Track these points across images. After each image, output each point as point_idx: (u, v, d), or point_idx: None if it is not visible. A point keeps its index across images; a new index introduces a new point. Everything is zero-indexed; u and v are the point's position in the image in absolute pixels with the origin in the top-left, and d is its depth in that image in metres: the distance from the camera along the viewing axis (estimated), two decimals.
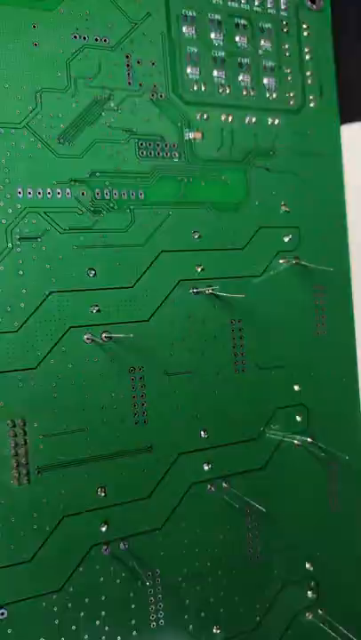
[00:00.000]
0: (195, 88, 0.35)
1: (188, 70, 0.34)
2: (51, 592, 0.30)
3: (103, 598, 0.31)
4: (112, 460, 0.31)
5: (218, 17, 0.35)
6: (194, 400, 0.34)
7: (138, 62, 0.32)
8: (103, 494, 0.31)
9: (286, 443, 0.37)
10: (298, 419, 0.38)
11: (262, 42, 0.36)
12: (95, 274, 0.31)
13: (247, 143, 0.36)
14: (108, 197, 0.32)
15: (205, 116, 0.35)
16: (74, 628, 0.30)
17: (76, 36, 0.31)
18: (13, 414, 0.29)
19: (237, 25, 0.35)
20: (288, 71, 0.37)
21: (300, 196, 0.38)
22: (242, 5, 0.36)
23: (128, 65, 0.32)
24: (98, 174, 0.31)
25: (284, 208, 0.38)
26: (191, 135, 0.34)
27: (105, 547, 0.31)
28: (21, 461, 0.29)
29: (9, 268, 0.29)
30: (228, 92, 0.35)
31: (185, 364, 0.34)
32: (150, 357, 0.33)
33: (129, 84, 0.32)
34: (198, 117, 0.35)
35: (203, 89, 0.35)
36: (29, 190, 0.30)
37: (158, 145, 0.33)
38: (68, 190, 0.31)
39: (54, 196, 0.30)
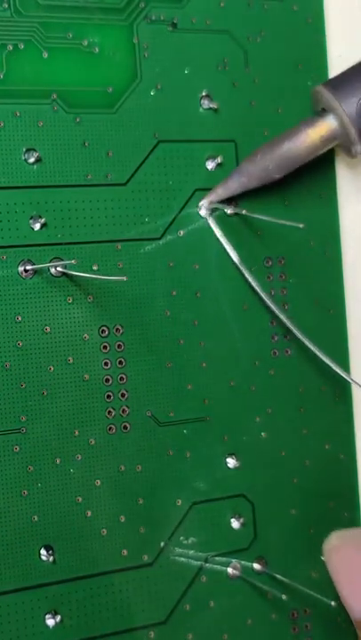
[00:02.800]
0: None
1: None
2: None
3: None
4: None
5: None
6: (23, 498, 0.27)
7: None
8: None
9: (210, 572, 0.29)
10: (234, 524, 0.30)
11: None
12: None
13: None
14: None
15: None
16: None
17: None
18: None
19: None
20: None
21: (240, 78, 0.30)
22: None
23: None
24: None
25: (206, 103, 0.30)
26: None
27: None
28: None
29: None
30: None
31: (10, 421, 0.26)
32: None
33: None
34: None
35: None
36: None
37: None
38: None
39: None
